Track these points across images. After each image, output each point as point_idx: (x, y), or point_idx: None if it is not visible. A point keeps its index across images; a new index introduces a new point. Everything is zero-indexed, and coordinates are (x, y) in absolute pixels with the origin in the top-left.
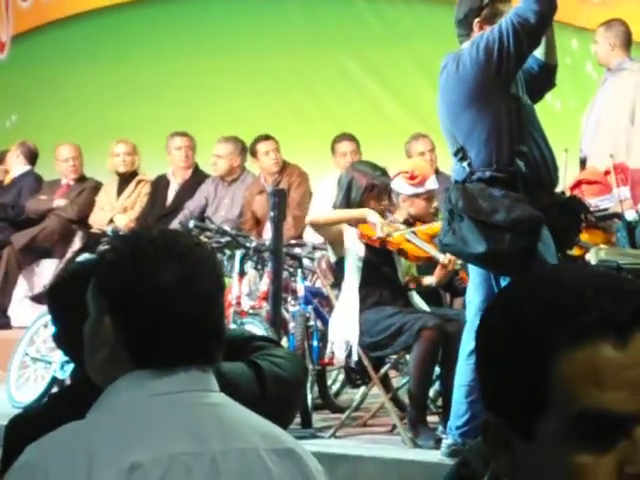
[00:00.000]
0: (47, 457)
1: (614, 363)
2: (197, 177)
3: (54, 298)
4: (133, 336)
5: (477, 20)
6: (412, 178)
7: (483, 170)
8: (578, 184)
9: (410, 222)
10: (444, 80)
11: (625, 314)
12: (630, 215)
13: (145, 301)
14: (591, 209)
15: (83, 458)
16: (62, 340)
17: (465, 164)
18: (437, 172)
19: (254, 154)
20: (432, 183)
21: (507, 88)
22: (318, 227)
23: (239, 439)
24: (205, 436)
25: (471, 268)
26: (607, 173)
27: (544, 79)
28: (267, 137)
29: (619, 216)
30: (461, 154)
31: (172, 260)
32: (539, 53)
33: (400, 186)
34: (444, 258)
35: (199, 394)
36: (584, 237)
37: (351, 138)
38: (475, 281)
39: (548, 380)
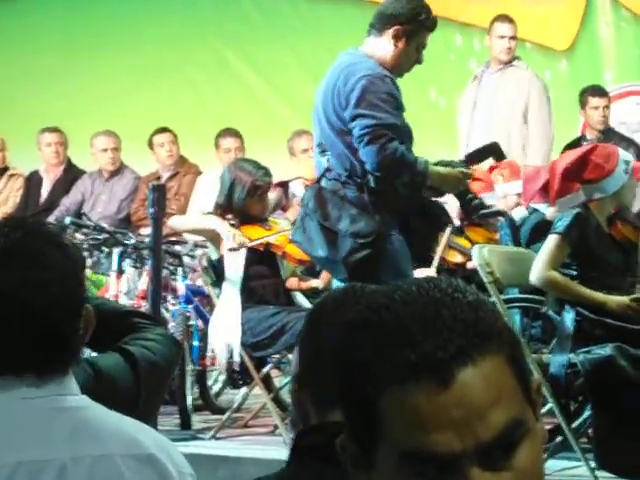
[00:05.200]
0: None
1: (436, 404)
2: (70, 173)
3: None
4: None
5: (397, 27)
6: None
7: (339, 173)
8: None
9: None
10: (325, 89)
11: (448, 352)
12: (519, 213)
13: None
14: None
15: None
16: None
17: (324, 159)
18: None
19: (151, 146)
20: None
21: None
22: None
23: (93, 445)
24: (55, 443)
25: None
26: (491, 170)
27: None
28: (164, 129)
29: (502, 214)
30: (321, 148)
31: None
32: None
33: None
34: None
35: (52, 399)
36: (468, 235)
37: (236, 134)
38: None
39: (376, 415)
